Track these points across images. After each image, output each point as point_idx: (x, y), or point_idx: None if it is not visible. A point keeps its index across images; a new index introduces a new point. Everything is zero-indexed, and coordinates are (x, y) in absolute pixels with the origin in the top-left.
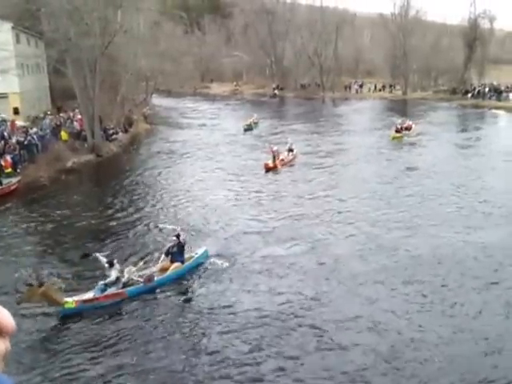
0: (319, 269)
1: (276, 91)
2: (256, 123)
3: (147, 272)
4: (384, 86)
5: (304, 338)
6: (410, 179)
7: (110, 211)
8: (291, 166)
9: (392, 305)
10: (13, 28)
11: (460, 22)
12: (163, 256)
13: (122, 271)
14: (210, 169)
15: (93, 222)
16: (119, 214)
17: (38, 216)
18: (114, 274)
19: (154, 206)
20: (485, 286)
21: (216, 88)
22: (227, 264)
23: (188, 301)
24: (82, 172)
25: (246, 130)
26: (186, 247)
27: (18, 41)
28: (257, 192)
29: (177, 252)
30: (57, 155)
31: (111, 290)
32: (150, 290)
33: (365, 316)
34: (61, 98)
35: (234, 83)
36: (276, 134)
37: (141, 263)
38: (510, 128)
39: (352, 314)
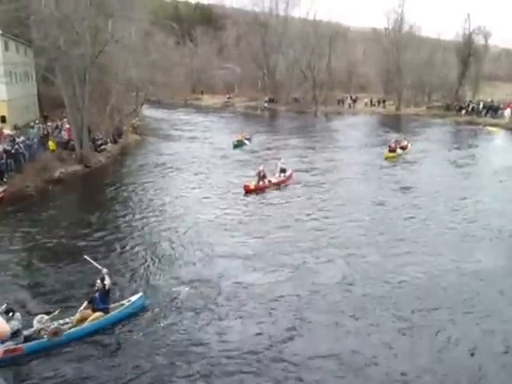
0: (298, 299)
1: (266, 104)
2: (248, 139)
3: (66, 320)
4: (379, 101)
5: (279, 374)
6: (402, 200)
7: (85, 229)
8: (285, 186)
9: (374, 339)
10: (1, 35)
11: (454, 38)
12: (85, 303)
13: (37, 321)
14: (194, 185)
15: (65, 239)
16: (94, 234)
17: (21, 227)
18: (13, 325)
19: (129, 225)
20: (480, 318)
21: (207, 100)
22: (192, 292)
23: (112, 355)
24: (69, 183)
25: (235, 147)
26: (112, 293)
27: (6, 48)
28: (237, 214)
29: (100, 299)
30: (44, 165)
31: (8, 344)
32: (56, 345)
33: (344, 352)
34: (49, 106)
35: (227, 96)
36: (268, 149)
37: (57, 311)
38: (505, 146)
39: (330, 349)
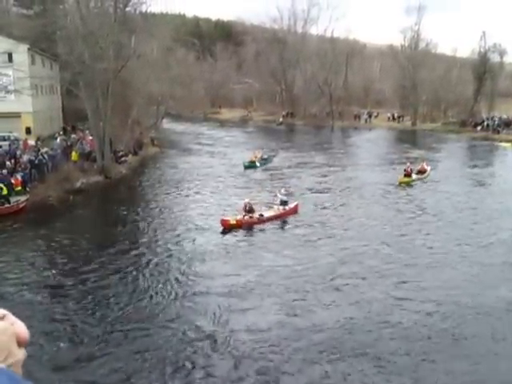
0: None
1: (281, 119)
2: (265, 159)
3: None
4: (399, 116)
5: None
6: (417, 227)
7: (103, 239)
8: (283, 221)
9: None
10: (29, 50)
11: (470, 55)
12: None
13: None
14: (198, 205)
15: (82, 248)
16: (111, 244)
17: (42, 236)
18: None
19: (143, 237)
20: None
21: (226, 114)
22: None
23: None
24: (90, 193)
25: (246, 168)
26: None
27: (33, 62)
28: (223, 247)
29: None
30: (66, 175)
31: None
32: None
33: None
34: (73, 118)
35: (247, 111)
36: (279, 169)
37: None
38: None
39: None
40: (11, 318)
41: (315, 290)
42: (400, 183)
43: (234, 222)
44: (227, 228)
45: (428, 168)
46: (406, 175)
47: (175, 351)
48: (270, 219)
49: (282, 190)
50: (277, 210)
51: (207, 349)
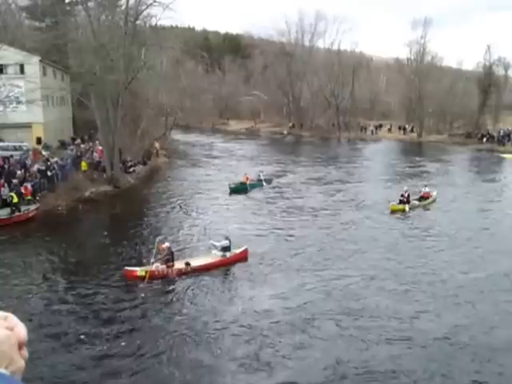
0: None
1: (285, 131)
2: (262, 180)
3: None
4: (405, 128)
5: None
6: (416, 252)
7: (110, 247)
8: (225, 271)
9: None
10: (40, 61)
11: (475, 68)
12: None
13: None
14: (182, 226)
15: (89, 256)
16: (117, 253)
17: (51, 244)
18: None
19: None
20: None
21: (234, 125)
22: None
23: None
24: (99, 202)
25: (233, 191)
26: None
27: (44, 74)
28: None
29: None
30: (76, 185)
31: None
32: None
33: None
34: (83, 129)
35: (253, 123)
36: (275, 194)
37: None
38: None
39: None
40: (13, 319)
41: None
42: (392, 210)
43: (143, 275)
44: (131, 280)
45: (433, 193)
46: (401, 201)
47: None
48: (200, 269)
49: (225, 240)
50: (215, 256)
51: None
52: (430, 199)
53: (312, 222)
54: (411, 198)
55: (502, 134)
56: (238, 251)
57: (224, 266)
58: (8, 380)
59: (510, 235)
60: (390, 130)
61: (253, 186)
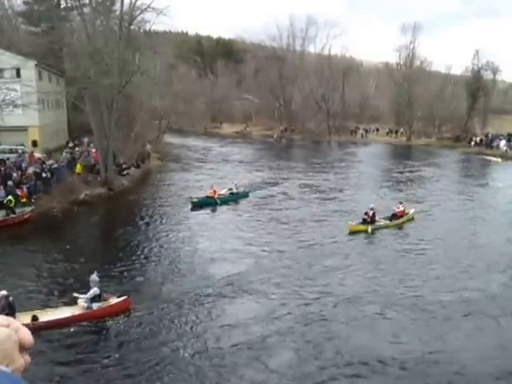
0: None
1: (275, 135)
2: (234, 194)
3: None
4: (397, 131)
5: None
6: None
7: (104, 249)
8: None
9: None
10: (36, 66)
11: (464, 73)
12: None
13: None
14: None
15: (83, 257)
16: (112, 254)
17: (45, 246)
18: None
19: (142, 247)
20: None
21: (226, 128)
22: None
23: None
24: (93, 204)
25: (195, 206)
26: None
27: (40, 78)
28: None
29: None
30: (70, 187)
31: None
32: None
33: None
34: (77, 132)
35: (244, 126)
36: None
37: None
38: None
39: None
40: (15, 324)
41: None
42: (350, 231)
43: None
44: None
45: (410, 211)
46: (364, 221)
47: None
48: (54, 325)
49: (95, 289)
50: (79, 309)
51: None
52: (405, 218)
53: (282, 240)
54: (378, 217)
55: (490, 137)
56: (114, 301)
57: (90, 321)
58: (10, 377)
59: (493, 253)
60: (377, 130)
61: (224, 201)
